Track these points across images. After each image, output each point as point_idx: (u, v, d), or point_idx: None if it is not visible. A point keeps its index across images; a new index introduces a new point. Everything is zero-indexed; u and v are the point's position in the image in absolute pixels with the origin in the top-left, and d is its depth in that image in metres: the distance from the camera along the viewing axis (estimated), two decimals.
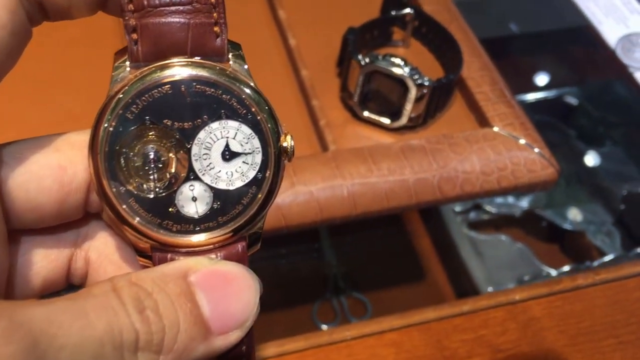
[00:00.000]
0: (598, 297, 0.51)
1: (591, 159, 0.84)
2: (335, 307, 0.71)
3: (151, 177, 0.25)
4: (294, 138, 0.26)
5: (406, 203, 0.53)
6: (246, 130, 0.25)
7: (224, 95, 0.25)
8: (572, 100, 0.86)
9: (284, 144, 0.26)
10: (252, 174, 0.25)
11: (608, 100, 0.88)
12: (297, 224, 0.51)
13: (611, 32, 0.75)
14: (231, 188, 0.25)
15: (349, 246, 0.77)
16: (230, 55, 0.26)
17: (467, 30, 0.64)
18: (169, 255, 0.25)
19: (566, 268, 0.75)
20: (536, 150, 0.56)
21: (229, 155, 0.25)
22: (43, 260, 0.27)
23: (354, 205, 0.52)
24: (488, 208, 0.80)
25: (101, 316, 0.21)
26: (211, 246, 0.25)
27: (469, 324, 0.49)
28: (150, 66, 0.25)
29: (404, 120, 0.56)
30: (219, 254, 0.26)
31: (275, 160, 0.26)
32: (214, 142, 0.25)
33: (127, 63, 0.25)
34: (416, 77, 0.54)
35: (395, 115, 0.56)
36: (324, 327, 0.68)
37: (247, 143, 0.25)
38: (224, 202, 0.25)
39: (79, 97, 0.56)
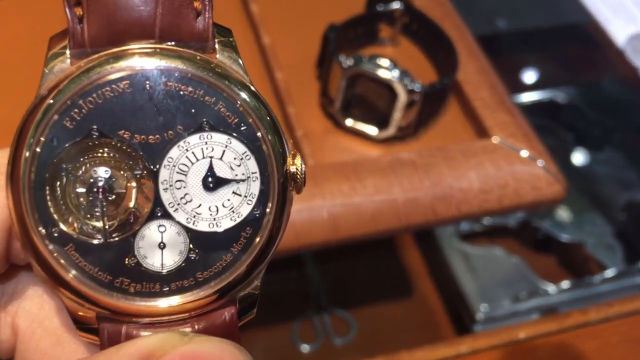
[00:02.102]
0: (612, 334, 0.46)
1: (590, 166, 0.80)
2: (317, 326, 0.68)
3: (99, 214, 0.18)
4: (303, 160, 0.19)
5: (395, 226, 0.49)
6: (239, 147, 0.19)
7: (207, 98, 0.18)
8: (568, 102, 0.83)
9: (292, 169, 0.19)
10: (246, 210, 0.19)
11: (607, 102, 0.85)
12: None
13: (619, 31, 0.71)
14: (216, 230, 0.19)
15: (332, 259, 0.73)
16: (217, 43, 0.19)
17: (462, 28, 0.60)
18: (123, 329, 0.19)
19: (565, 284, 0.72)
20: (541, 164, 0.51)
21: (213, 182, 0.19)
22: None
23: (335, 228, 0.47)
24: (480, 219, 0.76)
25: None
26: (186, 314, 0.19)
27: None
28: (101, 54, 0.18)
29: (392, 130, 0.52)
30: (196, 326, 0.19)
31: (279, 191, 0.19)
32: (192, 163, 0.19)
33: (68, 51, 0.19)
34: (406, 81, 0.50)
35: (382, 124, 0.53)
36: (305, 347, 0.65)
37: (239, 166, 0.19)
38: (206, 251, 0.19)
39: (17, 106, 0.49)
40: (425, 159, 0.50)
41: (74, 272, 0.18)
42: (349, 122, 0.53)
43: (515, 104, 0.56)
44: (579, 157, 0.81)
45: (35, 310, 0.21)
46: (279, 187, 0.19)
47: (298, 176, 0.19)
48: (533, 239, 0.76)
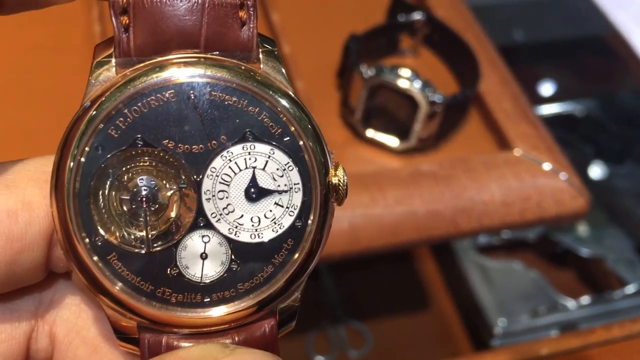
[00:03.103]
0: (637, 352, 0.45)
1: (611, 180, 0.80)
2: (332, 338, 0.68)
3: (142, 223, 0.18)
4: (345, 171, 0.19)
5: (415, 238, 0.48)
6: (281, 158, 0.19)
7: (250, 108, 0.18)
8: (587, 114, 0.82)
9: (334, 180, 0.19)
10: (288, 222, 0.19)
11: (627, 115, 0.84)
12: None
13: None
14: (258, 241, 0.19)
15: (348, 271, 0.73)
16: (261, 53, 0.19)
17: (483, 39, 0.59)
18: (164, 339, 0.19)
19: (585, 299, 0.71)
20: (563, 177, 0.50)
21: (256, 193, 0.19)
22: None
23: (355, 240, 0.47)
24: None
25: None
26: (226, 325, 0.19)
27: None
28: (146, 63, 0.18)
29: (412, 142, 0.52)
30: (236, 337, 0.19)
31: (321, 203, 0.19)
32: (235, 174, 0.18)
33: (113, 59, 0.18)
34: (428, 92, 0.49)
35: (403, 135, 0.52)
36: (320, 358, 0.64)
37: (281, 177, 0.19)
38: (247, 262, 0.19)
39: (33, 109, 0.50)
40: (446, 170, 0.49)
41: (116, 281, 0.18)
42: (370, 132, 0.53)
43: (537, 117, 0.55)
44: (598, 171, 0.80)
45: (73, 319, 0.21)
46: (321, 198, 0.19)
47: (340, 188, 0.19)
48: (552, 253, 0.75)
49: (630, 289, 0.71)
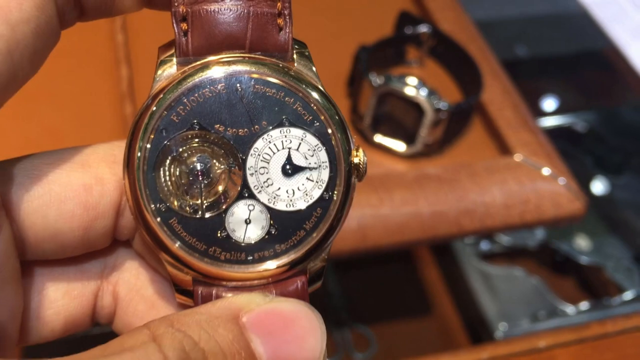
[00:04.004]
0: (629, 345, 0.47)
1: (610, 190, 0.81)
2: (337, 341, 0.69)
3: (198, 193, 0.21)
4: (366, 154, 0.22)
5: (420, 237, 0.49)
6: (312, 140, 0.22)
7: (287, 98, 0.21)
8: (587, 127, 0.84)
9: (356, 160, 0.22)
10: (317, 194, 0.22)
11: (626, 127, 0.85)
12: None
13: (639, 55, 0.72)
14: (292, 209, 0.22)
15: (353, 276, 0.74)
16: (294, 54, 0.22)
17: (486, 51, 0.61)
18: (214, 291, 0.21)
19: (584, 305, 0.72)
20: (562, 181, 0.52)
21: (291, 169, 0.22)
22: (64, 298, 0.23)
23: (364, 238, 0.48)
24: (500, 239, 0.77)
25: None
26: (265, 280, 0.22)
27: None
28: (202, 61, 0.21)
29: (418, 147, 0.53)
30: (274, 291, 0.22)
31: (345, 178, 0.22)
32: (274, 153, 0.21)
33: (174, 58, 0.21)
34: (433, 100, 0.51)
35: (409, 140, 0.53)
36: None
37: (312, 156, 0.22)
38: (283, 227, 0.21)
39: (61, 112, 0.52)
40: (451, 174, 0.51)
41: (175, 240, 0.21)
42: (378, 137, 0.54)
43: (537, 124, 0.57)
44: (598, 182, 0.81)
45: (133, 280, 0.24)
46: (345, 174, 0.22)
47: (361, 166, 0.22)
48: (552, 261, 0.76)
49: (628, 295, 0.72)
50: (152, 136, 0.20)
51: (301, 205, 0.21)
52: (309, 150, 0.21)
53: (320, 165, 0.21)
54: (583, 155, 0.84)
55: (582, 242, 0.77)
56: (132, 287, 0.24)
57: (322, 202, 0.21)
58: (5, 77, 0.18)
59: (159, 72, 0.21)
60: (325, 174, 0.21)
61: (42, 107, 0.53)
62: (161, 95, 0.20)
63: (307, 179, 0.21)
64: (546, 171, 0.52)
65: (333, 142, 0.21)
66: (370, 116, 0.53)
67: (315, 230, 0.21)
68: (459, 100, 0.53)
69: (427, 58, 0.61)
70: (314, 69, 0.22)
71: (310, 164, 0.21)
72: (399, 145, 0.54)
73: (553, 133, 0.82)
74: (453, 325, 0.74)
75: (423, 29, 0.59)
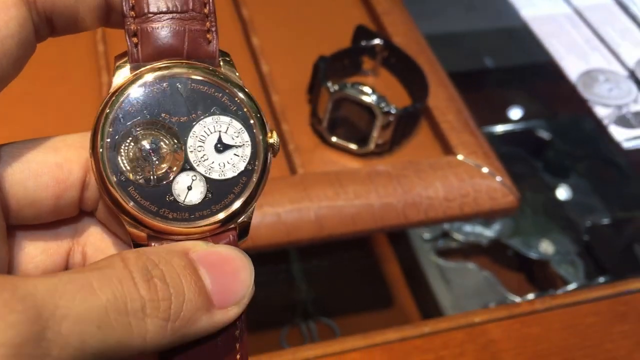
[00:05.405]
0: (555, 321, 0.52)
1: (557, 191, 0.86)
2: (303, 332, 0.72)
3: (150, 167, 0.26)
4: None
5: (372, 227, 0.54)
6: (237, 125, 0.27)
7: (216, 93, 0.27)
8: (540, 134, 0.89)
9: (270, 140, 0.27)
10: (242, 165, 0.27)
11: (575, 134, 0.91)
12: (264, 245, 0.52)
13: (573, 68, 0.79)
14: (223, 178, 0.27)
15: (318, 271, 0.78)
16: (220, 61, 0.28)
17: (434, 62, 0.66)
18: (164, 244, 0.26)
19: (530, 296, 0.76)
20: (498, 178, 0.57)
21: (221, 147, 0.27)
22: (42, 254, 0.28)
23: (320, 227, 0.53)
24: (456, 236, 0.82)
25: (105, 286, 0.22)
26: (205, 234, 0.27)
27: (430, 345, 0.50)
28: (149, 66, 0.27)
29: (371, 147, 0.58)
30: (211, 242, 0.27)
31: (263, 153, 0.27)
32: (208, 135, 0.27)
33: (128, 64, 0.27)
34: (383, 105, 0.56)
35: (362, 141, 0.58)
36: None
37: (237, 137, 0.27)
38: (217, 192, 0.27)
39: (46, 117, 0.57)
40: (399, 170, 0.56)
41: (132, 204, 0.26)
42: (334, 139, 0.59)
43: (478, 128, 0.62)
44: (547, 183, 0.86)
45: (98, 243, 0.29)
46: (263, 151, 0.27)
47: (275, 145, 0.27)
48: (504, 256, 0.81)
49: (571, 287, 0.77)
50: (112, 123, 0.26)
51: (230, 174, 0.27)
52: (234, 132, 0.27)
53: (244, 144, 0.27)
54: (534, 158, 0.89)
55: (532, 239, 0.81)
56: (97, 248, 0.29)
57: (246, 172, 0.27)
58: None
59: (116, 74, 0.27)
60: (248, 151, 0.27)
61: (28, 112, 0.58)
62: (119, 91, 0.26)
63: (234, 154, 0.27)
64: (484, 169, 0.57)
65: (253, 127, 0.27)
66: (327, 119, 0.58)
67: (242, 194, 0.27)
68: (407, 105, 0.58)
69: (381, 68, 0.66)
70: (236, 73, 0.28)
71: (236, 143, 0.27)
72: (353, 146, 0.59)
73: (506, 138, 0.88)
74: (412, 316, 0.78)
75: (377, 41, 0.64)
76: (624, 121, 0.76)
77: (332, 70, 0.61)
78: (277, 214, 0.52)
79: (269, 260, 0.76)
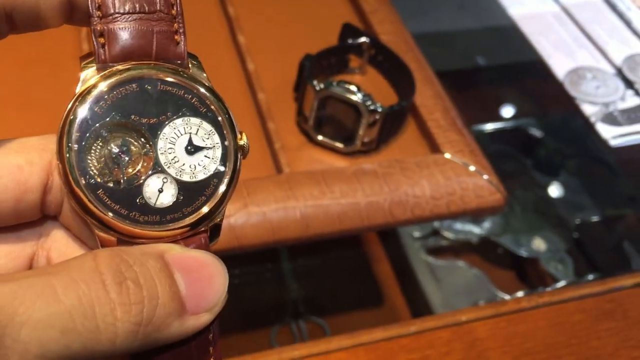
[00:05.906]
0: (541, 319, 0.52)
1: (547, 189, 0.86)
2: (293, 331, 0.72)
3: (119, 169, 0.25)
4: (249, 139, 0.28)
5: (358, 225, 0.54)
6: (207, 126, 0.27)
7: (186, 95, 0.26)
8: (530, 132, 0.89)
9: (241, 142, 0.27)
10: (213, 167, 0.27)
11: (564, 132, 0.91)
12: (250, 244, 0.52)
13: (560, 66, 0.79)
14: (194, 180, 0.26)
15: (309, 270, 0.78)
16: (189, 62, 0.28)
17: (422, 61, 0.66)
18: None
19: (520, 294, 0.76)
20: (485, 177, 0.57)
21: (192, 149, 0.26)
22: (4, 257, 0.28)
23: (306, 227, 0.53)
24: (446, 234, 0.82)
25: (69, 290, 0.21)
26: (176, 237, 0.26)
27: (416, 344, 0.50)
28: (117, 67, 0.26)
29: (357, 145, 0.58)
30: (183, 245, 0.26)
31: (234, 156, 0.27)
32: (178, 137, 0.26)
33: (95, 65, 0.26)
34: (369, 103, 0.56)
35: (348, 139, 0.58)
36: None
37: (208, 138, 0.27)
38: (188, 194, 0.26)
39: (31, 117, 0.56)
40: (385, 169, 0.56)
41: (102, 207, 0.25)
42: (320, 137, 0.58)
43: (465, 126, 0.62)
44: (537, 181, 0.86)
45: (63, 248, 0.28)
46: (233, 153, 0.27)
47: (245, 146, 0.27)
48: (494, 254, 0.81)
49: (561, 284, 0.77)
50: (80, 125, 0.25)
51: (201, 176, 0.27)
52: (205, 134, 0.27)
53: (214, 146, 0.27)
54: (524, 156, 0.89)
55: (522, 237, 0.81)
56: (62, 252, 0.28)
57: (217, 174, 0.27)
58: None
59: (83, 76, 0.26)
60: (218, 152, 0.27)
61: (13, 112, 0.58)
62: (86, 93, 0.25)
63: (205, 156, 0.27)
64: (470, 167, 0.57)
65: (223, 129, 0.27)
66: (313, 118, 0.58)
67: (213, 196, 0.27)
68: (393, 103, 0.58)
69: (368, 66, 0.66)
70: (204, 74, 0.28)
71: (207, 144, 0.27)
72: (340, 144, 0.58)
73: (496, 135, 0.88)
74: (402, 315, 0.78)
75: (363, 39, 0.64)
76: (611, 119, 0.76)
77: (318, 68, 0.61)
78: (262, 213, 0.52)
79: (259, 259, 0.76)
